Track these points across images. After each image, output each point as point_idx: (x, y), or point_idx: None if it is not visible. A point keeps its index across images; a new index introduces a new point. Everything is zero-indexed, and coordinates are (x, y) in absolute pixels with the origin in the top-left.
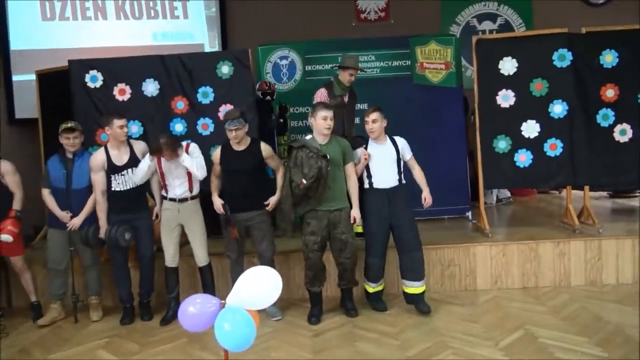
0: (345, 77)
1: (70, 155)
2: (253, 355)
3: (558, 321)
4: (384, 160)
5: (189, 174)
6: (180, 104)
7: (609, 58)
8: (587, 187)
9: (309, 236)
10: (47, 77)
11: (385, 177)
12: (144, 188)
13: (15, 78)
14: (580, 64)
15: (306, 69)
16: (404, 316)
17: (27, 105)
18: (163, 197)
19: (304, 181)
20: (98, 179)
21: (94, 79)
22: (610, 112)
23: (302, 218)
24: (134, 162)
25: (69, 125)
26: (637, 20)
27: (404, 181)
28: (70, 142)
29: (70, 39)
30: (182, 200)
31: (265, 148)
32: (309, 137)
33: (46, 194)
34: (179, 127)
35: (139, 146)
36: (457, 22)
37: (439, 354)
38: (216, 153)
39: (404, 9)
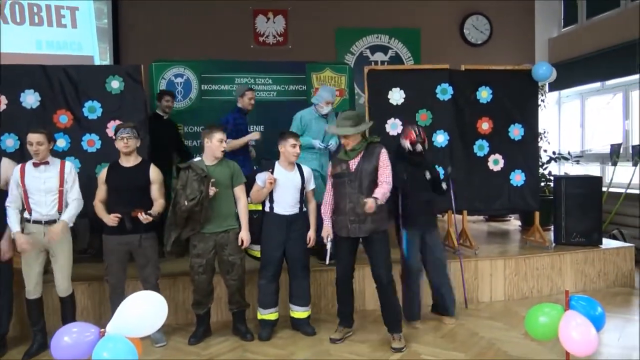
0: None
1: None
2: None
3: (438, 338)
4: (288, 187)
5: (61, 192)
6: (63, 118)
7: (484, 94)
8: (465, 212)
9: (194, 258)
10: None
11: (286, 203)
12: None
13: None
14: (460, 98)
15: (202, 88)
16: (296, 338)
17: None
18: (26, 220)
19: (185, 203)
20: None
21: None
22: (485, 143)
23: (188, 241)
24: None
25: None
26: (510, 61)
27: (304, 209)
28: None
29: None
30: (50, 222)
31: (154, 171)
32: (197, 158)
33: None
34: (61, 142)
35: (7, 165)
36: (352, 51)
37: None
38: (102, 173)
39: (301, 35)
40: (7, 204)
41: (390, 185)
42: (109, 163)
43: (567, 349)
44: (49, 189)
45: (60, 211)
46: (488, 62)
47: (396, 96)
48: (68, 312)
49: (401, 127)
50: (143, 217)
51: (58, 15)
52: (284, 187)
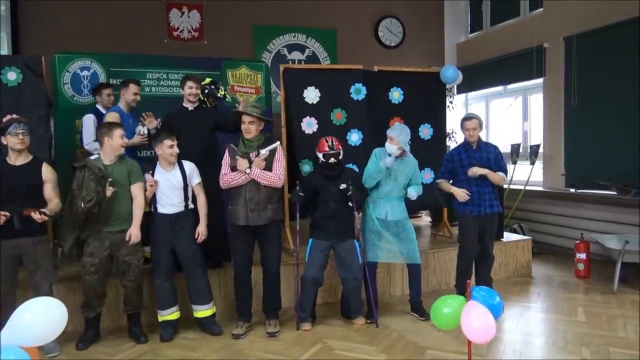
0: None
1: None
2: None
3: (351, 333)
4: (168, 187)
5: None
6: None
7: (396, 94)
8: None
9: (87, 257)
10: None
11: (169, 203)
12: None
13: None
14: (373, 98)
15: (111, 82)
16: (208, 339)
17: None
18: None
19: (82, 204)
20: None
21: None
22: None
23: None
24: None
25: None
26: (421, 63)
27: (191, 206)
28: None
29: None
30: None
31: (47, 169)
32: (94, 157)
33: None
34: None
35: None
36: (269, 49)
37: None
38: None
39: (218, 31)
40: None
41: (281, 180)
42: None
43: (468, 337)
44: None
45: None
46: (400, 64)
47: (311, 95)
48: None
49: (317, 126)
50: (37, 216)
51: None
52: (165, 187)
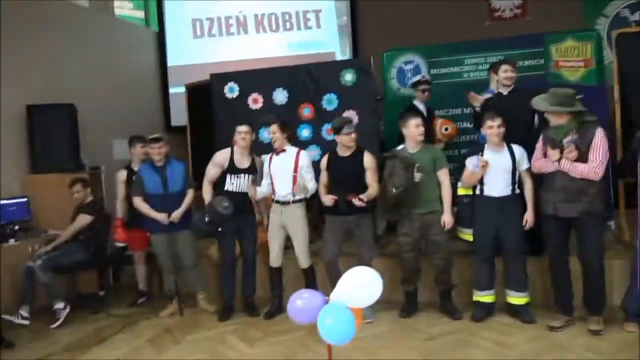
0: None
1: (160, 164)
2: (362, 355)
3: None
4: (497, 169)
5: (295, 178)
6: (307, 111)
7: None
8: None
9: (402, 237)
10: (194, 89)
11: (497, 185)
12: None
13: (171, 90)
14: None
15: (431, 72)
16: (522, 327)
17: (181, 114)
18: (273, 200)
19: (394, 190)
20: (213, 172)
21: (232, 90)
22: None
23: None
24: (251, 170)
25: (155, 136)
26: None
27: (517, 191)
28: (156, 151)
29: (216, 54)
30: (285, 203)
31: (368, 159)
32: (400, 147)
33: (139, 201)
34: (305, 132)
35: (259, 160)
36: (605, 14)
37: None
38: (323, 161)
39: (543, 3)
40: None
41: (597, 173)
42: (328, 153)
43: None
44: (285, 173)
45: (294, 193)
46: None
47: None
48: (309, 281)
49: None
50: (357, 202)
51: (305, 18)
52: (494, 168)
